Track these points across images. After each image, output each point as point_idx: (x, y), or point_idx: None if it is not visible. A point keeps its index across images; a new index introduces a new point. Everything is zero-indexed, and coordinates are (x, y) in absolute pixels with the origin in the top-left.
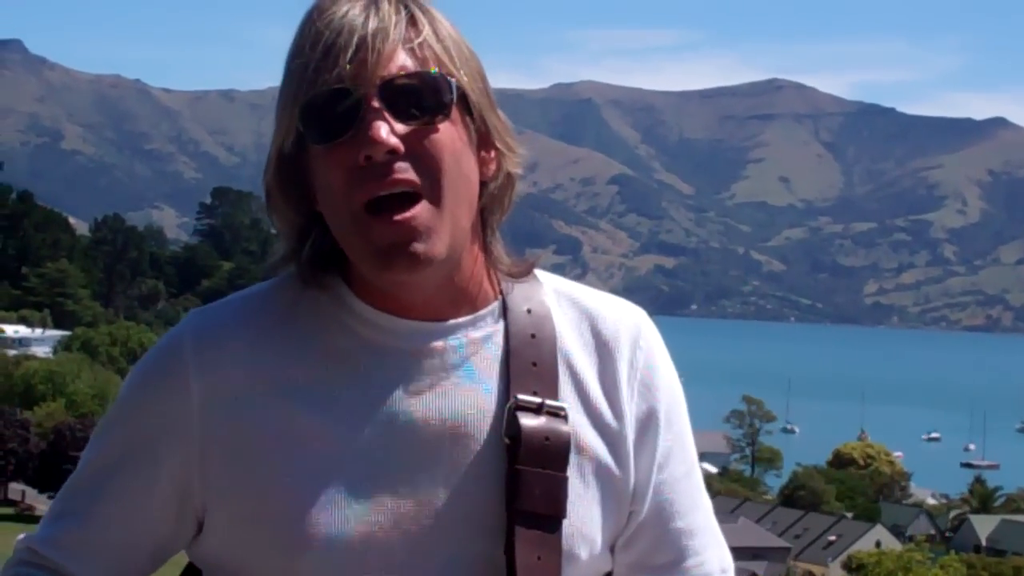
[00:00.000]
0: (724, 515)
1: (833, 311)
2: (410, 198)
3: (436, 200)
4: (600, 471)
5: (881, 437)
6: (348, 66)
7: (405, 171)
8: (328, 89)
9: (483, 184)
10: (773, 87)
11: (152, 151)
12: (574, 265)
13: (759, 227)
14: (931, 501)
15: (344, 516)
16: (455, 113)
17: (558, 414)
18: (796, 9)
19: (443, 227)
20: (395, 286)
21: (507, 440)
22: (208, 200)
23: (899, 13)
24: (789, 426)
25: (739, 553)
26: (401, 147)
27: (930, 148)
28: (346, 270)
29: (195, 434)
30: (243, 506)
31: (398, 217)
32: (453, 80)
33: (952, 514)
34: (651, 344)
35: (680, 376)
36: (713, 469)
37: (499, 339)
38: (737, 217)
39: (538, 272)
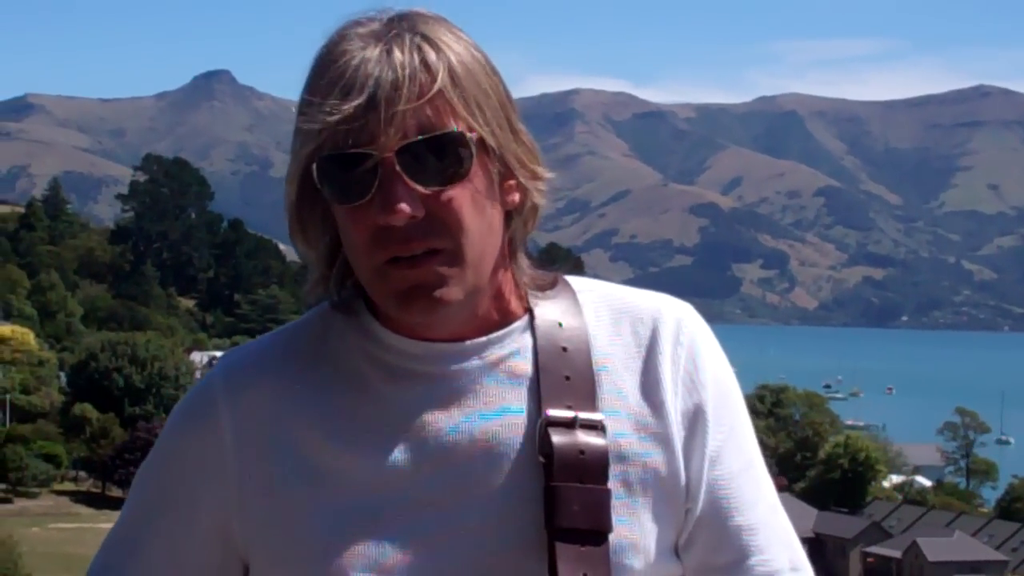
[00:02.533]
0: (939, 528)
1: None
2: (429, 253)
3: (458, 255)
4: (647, 477)
5: None
6: (367, 125)
7: (425, 235)
8: (346, 152)
9: (508, 213)
10: (980, 93)
11: None
12: (782, 279)
13: (969, 236)
14: None
15: (376, 551)
16: (475, 163)
17: (595, 426)
18: (1001, 13)
19: (463, 275)
20: (417, 326)
21: (542, 458)
22: None
23: None
24: (1004, 437)
25: (956, 567)
26: (421, 213)
27: None
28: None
29: (231, 474)
30: (276, 546)
31: (417, 266)
32: (473, 135)
33: None
34: (694, 338)
35: (893, 389)
36: (927, 482)
37: (528, 354)
38: (946, 226)
39: (571, 279)
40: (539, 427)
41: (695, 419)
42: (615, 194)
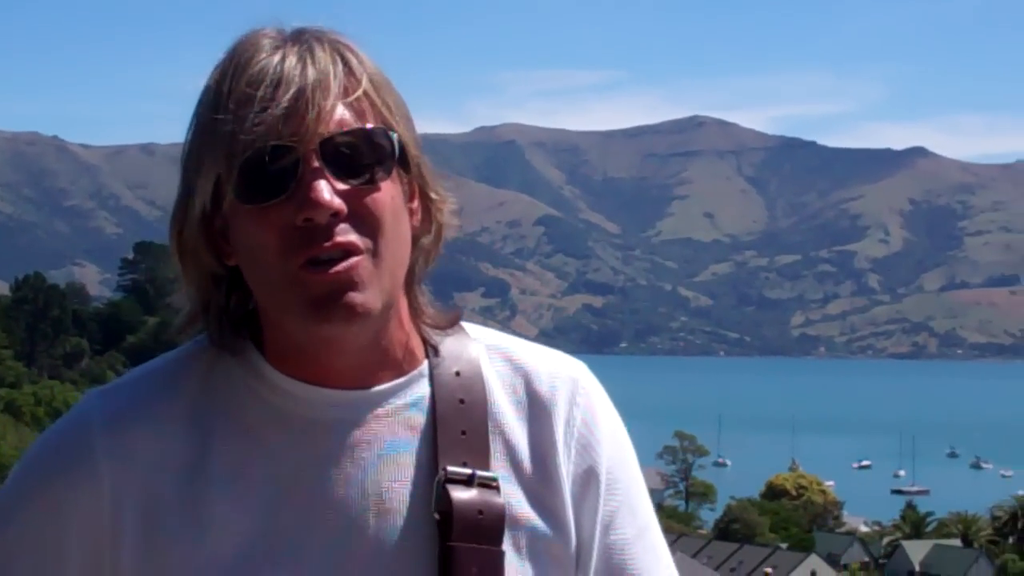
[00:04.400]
0: None
1: (761, 344)
2: (348, 254)
3: (378, 256)
4: (537, 542)
5: (813, 467)
6: (285, 121)
7: (346, 233)
8: (265, 146)
9: (414, 238)
10: (695, 124)
11: (72, 207)
12: (503, 307)
13: (685, 263)
14: (864, 528)
15: None
16: (394, 167)
17: (490, 485)
18: (716, 45)
19: (381, 282)
20: (323, 344)
21: (437, 515)
22: (130, 255)
23: (818, 47)
24: (721, 460)
25: None
26: (344, 209)
27: (851, 179)
28: (258, 334)
29: (105, 526)
30: None
31: (335, 268)
32: (395, 135)
33: (885, 541)
34: (590, 400)
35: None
36: None
37: (425, 405)
38: (663, 254)
39: (467, 325)
40: (437, 483)
41: (587, 483)
42: None
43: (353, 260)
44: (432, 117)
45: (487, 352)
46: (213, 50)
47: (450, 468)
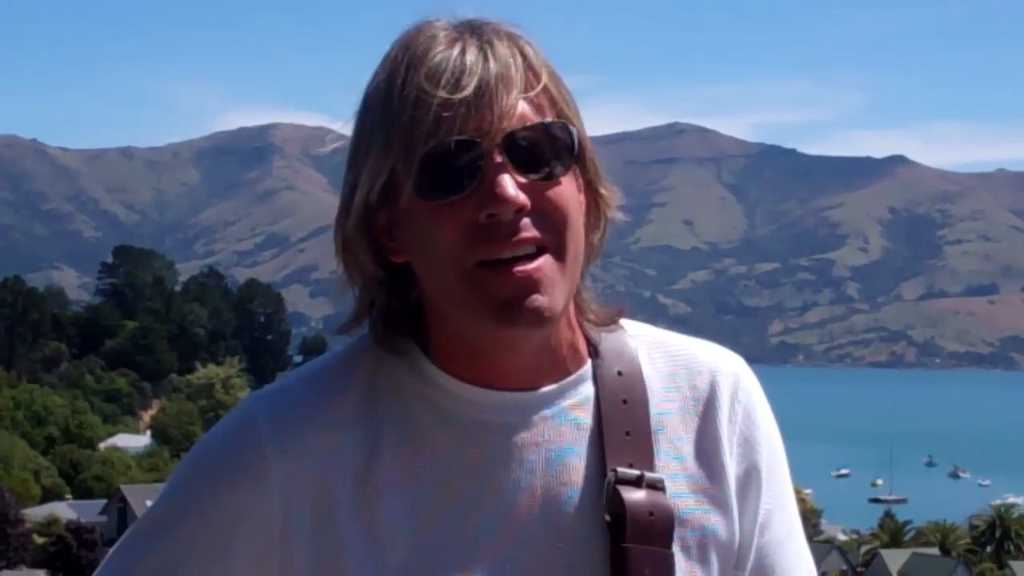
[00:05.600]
0: None
1: (740, 352)
2: (533, 252)
3: (560, 256)
4: (704, 541)
5: (791, 475)
6: (468, 115)
7: (530, 229)
8: (449, 140)
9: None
10: (675, 131)
11: (51, 211)
12: None
13: (664, 271)
14: (842, 537)
15: None
16: (572, 163)
17: (657, 487)
18: (696, 52)
19: (564, 282)
20: (500, 346)
21: (608, 517)
22: (109, 259)
23: (798, 54)
24: None
25: None
26: (528, 204)
27: (831, 187)
28: (422, 334)
29: (276, 529)
30: None
31: (520, 268)
32: (574, 130)
33: (863, 549)
34: (750, 395)
35: None
36: None
37: (590, 406)
38: (642, 261)
39: (625, 322)
40: (608, 484)
41: (749, 481)
42: (315, 229)
43: (540, 261)
44: None
45: (647, 349)
46: (195, 55)
47: (619, 469)
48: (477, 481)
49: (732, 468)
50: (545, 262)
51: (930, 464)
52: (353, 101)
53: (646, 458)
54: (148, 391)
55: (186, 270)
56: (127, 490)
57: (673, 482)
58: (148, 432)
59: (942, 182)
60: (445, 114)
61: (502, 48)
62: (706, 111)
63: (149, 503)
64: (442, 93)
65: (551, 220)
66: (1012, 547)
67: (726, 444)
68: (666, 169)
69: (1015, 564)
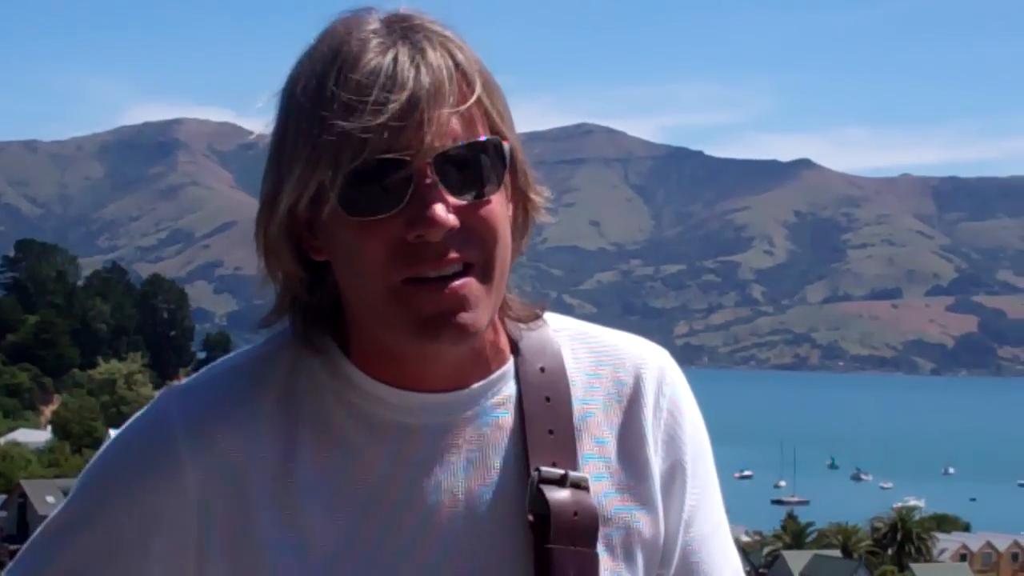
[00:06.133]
0: None
1: None
2: (459, 271)
3: (488, 273)
4: (629, 540)
5: None
6: (398, 131)
7: (459, 248)
8: (377, 158)
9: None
10: (583, 131)
11: None
12: None
13: (570, 271)
14: (745, 538)
15: None
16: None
17: (580, 485)
18: (606, 53)
19: (490, 298)
20: (421, 357)
21: (531, 517)
22: (11, 253)
23: (707, 57)
24: None
25: None
26: (458, 225)
27: (737, 190)
28: (341, 332)
29: (191, 531)
30: None
31: (448, 287)
32: (507, 144)
33: (766, 551)
34: (675, 389)
35: None
36: None
37: (512, 404)
38: (549, 261)
39: (548, 315)
40: (531, 484)
41: (673, 478)
42: (220, 225)
43: (466, 279)
44: None
45: (570, 343)
46: (101, 49)
47: (543, 469)
48: (399, 484)
49: (656, 465)
50: (471, 280)
51: (832, 466)
52: (260, 98)
53: (569, 456)
54: (49, 386)
55: (89, 265)
56: (27, 485)
57: (597, 480)
58: (49, 427)
59: (847, 186)
60: (374, 129)
61: (434, 56)
62: (614, 112)
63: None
64: (371, 107)
65: (480, 239)
66: (913, 549)
67: (651, 440)
68: (573, 169)
69: (916, 566)
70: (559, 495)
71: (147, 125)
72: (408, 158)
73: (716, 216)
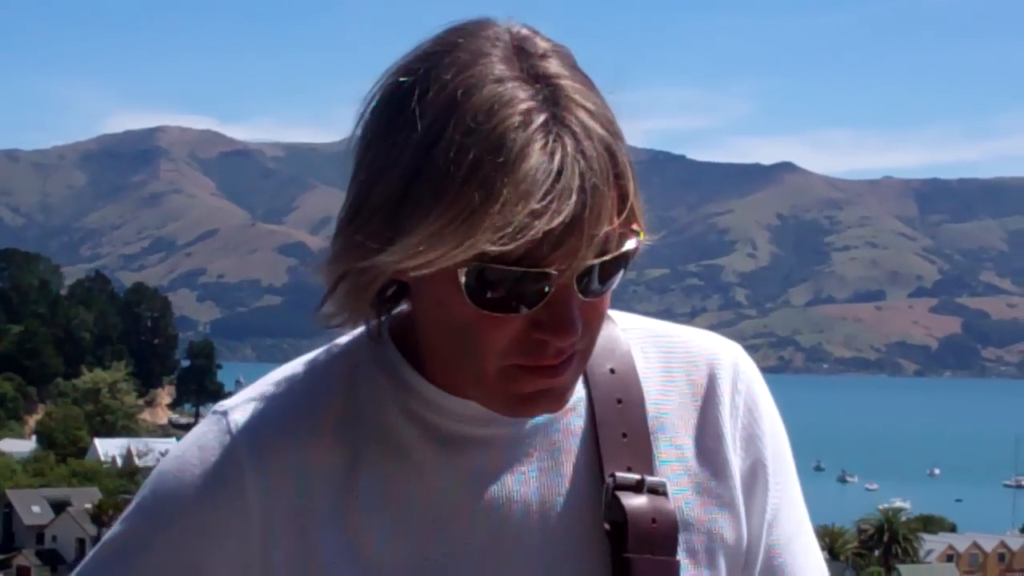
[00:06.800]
0: None
1: None
2: (568, 360)
3: (588, 353)
4: (711, 546)
5: None
6: (557, 246)
7: (576, 344)
8: (525, 270)
9: None
10: None
11: None
12: None
13: None
14: None
15: None
16: None
17: (658, 491)
18: (588, 58)
19: (583, 368)
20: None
21: (607, 526)
22: None
23: (688, 61)
24: None
25: None
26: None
27: (720, 194)
28: (402, 338)
29: (255, 552)
30: None
31: (559, 375)
32: (638, 238)
33: None
34: (751, 384)
35: None
36: None
37: (582, 409)
38: None
39: (614, 314)
40: (606, 491)
41: (754, 478)
42: (202, 233)
43: (572, 365)
44: (301, 126)
45: (639, 343)
46: (82, 57)
47: (618, 474)
48: (467, 497)
49: (737, 465)
50: (576, 366)
51: (818, 468)
52: (243, 106)
53: (645, 460)
54: (34, 395)
55: (72, 274)
56: (12, 495)
57: (675, 484)
58: (34, 437)
59: (830, 189)
60: (529, 237)
61: (593, 153)
62: None
63: (35, 508)
64: (532, 213)
65: (591, 328)
66: (900, 551)
67: (729, 439)
68: None
69: (903, 568)
70: (636, 501)
71: (129, 133)
72: (554, 272)
73: (699, 220)
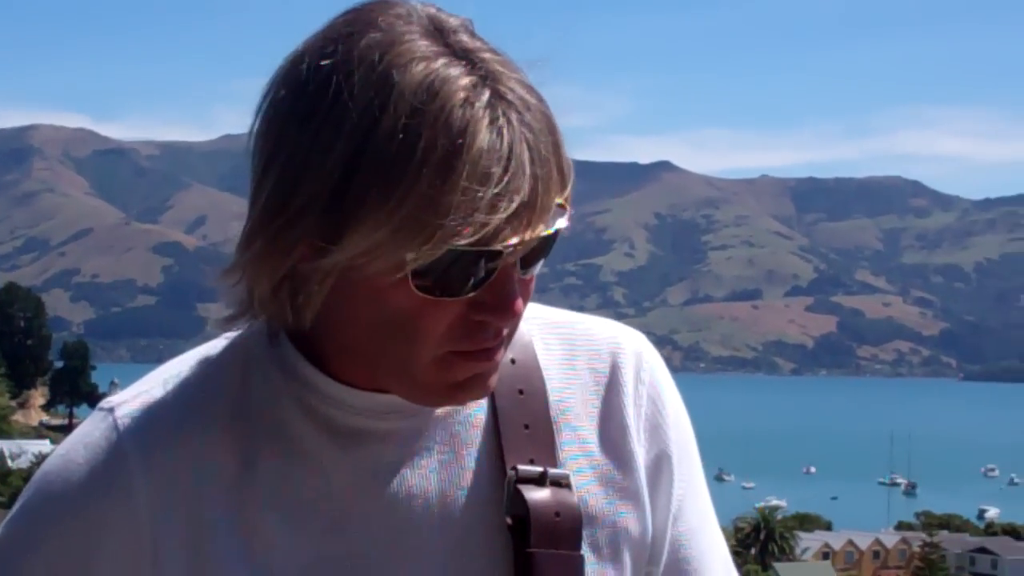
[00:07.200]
0: None
1: None
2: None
3: (511, 338)
4: (616, 539)
5: None
6: (510, 226)
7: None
8: (479, 250)
9: None
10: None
11: None
12: None
13: None
14: None
15: None
16: None
17: (561, 483)
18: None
19: (505, 354)
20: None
21: (509, 520)
22: None
23: (566, 58)
24: None
25: None
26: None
27: (598, 193)
28: (295, 337)
29: (145, 553)
30: None
31: (492, 358)
32: (566, 214)
33: None
34: (655, 374)
35: None
36: None
37: (484, 400)
38: None
39: None
40: (508, 484)
41: (659, 469)
42: (76, 232)
43: (502, 348)
44: (176, 124)
45: (541, 332)
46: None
47: (520, 467)
48: (366, 493)
49: (641, 456)
50: (504, 349)
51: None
52: (118, 104)
53: (548, 452)
54: None
55: None
56: None
57: (579, 476)
58: None
59: (707, 188)
60: (497, 219)
61: (536, 123)
62: None
63: None
64: (495, 194)
65: (523, 307)
66: (776, 549)
67: (633, 430)
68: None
69: (779, 566)
70: (538, 495)
71: (0, 131)
72: (504, 250)
73: (577, 219)
